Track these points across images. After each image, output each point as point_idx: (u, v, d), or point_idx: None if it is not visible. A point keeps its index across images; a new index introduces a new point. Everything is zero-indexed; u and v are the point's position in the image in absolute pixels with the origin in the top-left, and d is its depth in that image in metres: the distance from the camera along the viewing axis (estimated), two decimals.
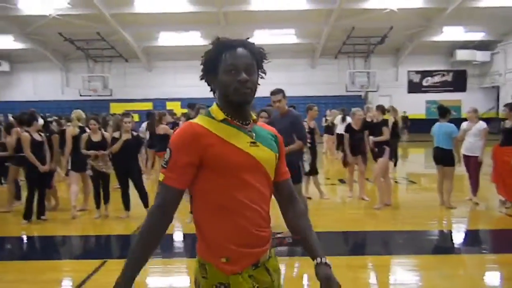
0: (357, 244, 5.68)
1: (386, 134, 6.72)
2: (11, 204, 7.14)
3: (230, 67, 1.53)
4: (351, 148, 7.25)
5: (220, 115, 1.57)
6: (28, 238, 5.94)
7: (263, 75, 1.65)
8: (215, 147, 1.50)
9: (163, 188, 1.53)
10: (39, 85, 25.07)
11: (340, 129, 11.58)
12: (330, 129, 13.34)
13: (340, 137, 11.60)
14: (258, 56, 1.62)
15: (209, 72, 1.60)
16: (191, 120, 1.60)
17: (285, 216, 1.77)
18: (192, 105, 7.09)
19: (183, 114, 10.12)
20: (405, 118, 21.04)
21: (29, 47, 21.90)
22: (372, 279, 4.37)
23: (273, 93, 5.02)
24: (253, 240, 1.57)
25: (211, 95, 1.66)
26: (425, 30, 20.53)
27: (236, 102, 1.55)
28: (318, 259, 1.61)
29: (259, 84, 1.62)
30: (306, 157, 5.16)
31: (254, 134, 1.60)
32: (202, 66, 1.62)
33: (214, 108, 1.60)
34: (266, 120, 5.19)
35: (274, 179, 1.69)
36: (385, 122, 6.91)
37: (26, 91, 24.89)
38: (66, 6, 17.39)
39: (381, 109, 7.12)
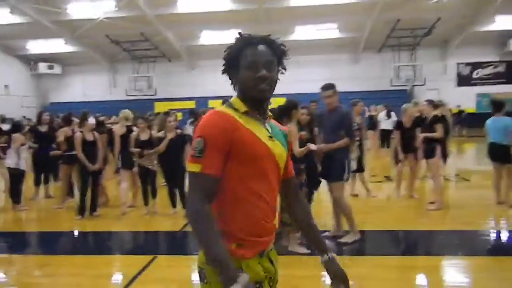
0: (407, 244, 5.49)
1: (439, 132, 6.36)
2: (64, 200, 7.47)
3: (250, 63, 1.56)
4: (402, 146, 7.00)
5: (243, 107, 1.59)
6: (81, 233, 6.19)
7: (283, 71, 1.68)
8: (243, 136, 1.53)
9: (201, 178, 1.49)
10: (88, 87, 26.16)
11: (384, 125, 11.27)
12: (374, 125, 12.99)
13: (384, 133, 11.28)
14: (278, 53, 1.63)
15: (231, 67, 1.63)
16: (216, 110, 1.60)
17: (291, 210, 1.84)
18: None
19: None
20: (458, 113, 20.22)
21: (79, 50, 22.89)
22: (423, 280, 4.20)
23: (324, 88, 4.91)
24: (262, 230, 1.61)
25: None
26: (475, 19, 19.59)
27: (255, 98, 1.59)
28: (329, 255, 1.73)
29: (279, 79, 1.64)
30: (354, 155, 5.01)
31: (270, 129, 1.65)
32: (224, 61, 1.65)
33: (236, 100, 1.63)
34: (306, 117, 5.10)
35: (284, 176, 1.75)
36: (438, 119, 6.47)
37: (75, 92, 26.06)
38: (113, 9, 17.99)
39: (432, 103, 6.73)
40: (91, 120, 6.73)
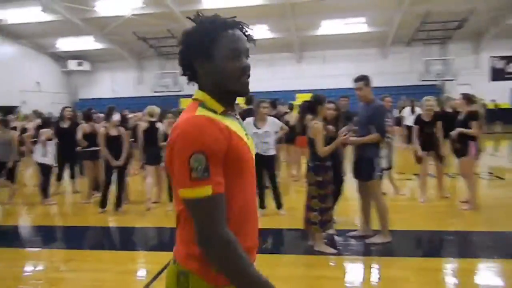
0: (437, 245, 5.26)
1: (476, 129, 5.92)
2: (90, 196, 7.55)
3: (232, 52, 1.30)
4: (421, 142, 6.51)
5: (219, 108, 1.33)
6: (106, 228, 6.24)
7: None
8: (235, 142, 1.29)
9: (215, 201, 1.22)
10: (116, 83, 26.60)
11: (409, 121, 10.96)
12: (399, 121, 12.65)
13: (409, 129, 10.96)
14: (250, 39, 1.38)
15: (197, 56, 1.33)
16: (197, 114, 1.29)
17: None
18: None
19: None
20: (495, 108, 19.61)
21: (107, 47, 23.26)
22: (455, 284, 4.00)
23: (355, 80, 4.75)
24: (250, 253, 1.35)
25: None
26: (509, 11, 18.78)
27: (238, 92, 1.35)
28: None
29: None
30: (384, 152, 4.78)
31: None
32: (184, 48, 1.35)
33: (207, 99, 1.34)
34: (333, 113, 4.94)
35: None
36: (473, 115, 6.00)
37: (104, 89, 26.55)
38: (140, 6, 18.19)
39: (467, 98, 6.19)
40: (116, 116, 6.76)
